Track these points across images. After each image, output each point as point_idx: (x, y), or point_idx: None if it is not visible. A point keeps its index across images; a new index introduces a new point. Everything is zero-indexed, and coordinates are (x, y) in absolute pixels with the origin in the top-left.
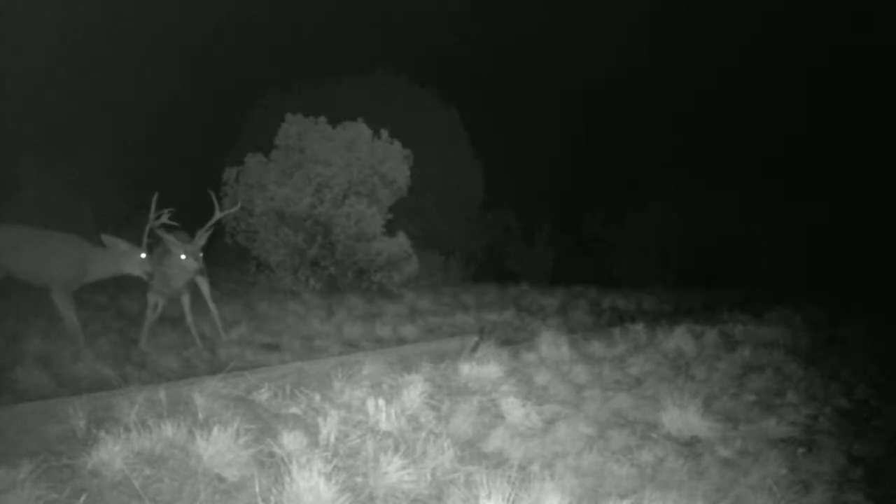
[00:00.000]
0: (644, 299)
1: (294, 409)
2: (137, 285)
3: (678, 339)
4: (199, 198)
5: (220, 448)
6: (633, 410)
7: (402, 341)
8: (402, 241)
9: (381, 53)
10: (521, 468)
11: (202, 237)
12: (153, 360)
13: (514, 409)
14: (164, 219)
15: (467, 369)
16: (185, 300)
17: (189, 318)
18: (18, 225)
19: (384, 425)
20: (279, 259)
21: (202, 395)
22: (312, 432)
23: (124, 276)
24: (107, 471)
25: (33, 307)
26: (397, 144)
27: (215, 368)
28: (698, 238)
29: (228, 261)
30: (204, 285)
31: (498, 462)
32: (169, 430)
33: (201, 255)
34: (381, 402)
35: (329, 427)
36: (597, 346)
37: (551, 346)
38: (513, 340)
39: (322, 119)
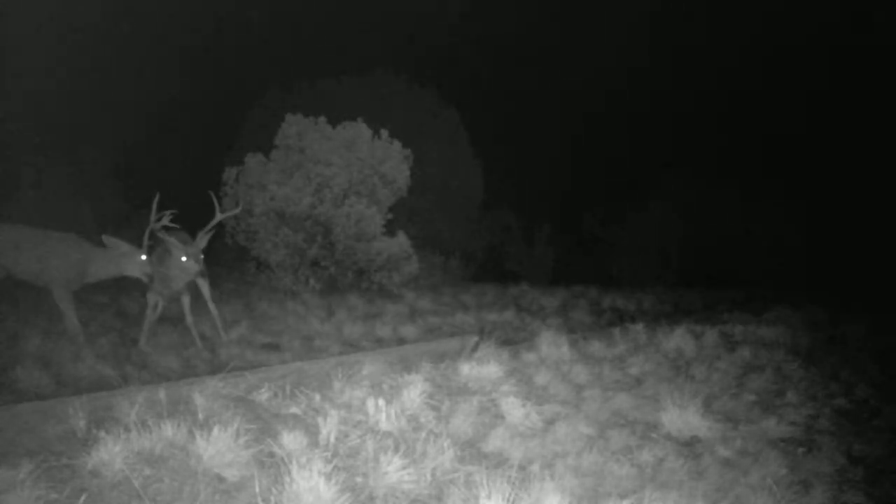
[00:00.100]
0: (644, 299)
1: (294, 409)
2: (137, 285)
3: (678, 339)
4: (200, 198)
5: (220, 448)
6: (633, 410)
7: (402, 341)
8: (402, 241)
9: (381, 53)
10: (521, 468)
11: (203, 239)
12: (153, 360)
13: (514, 409)
14: (166, 221)
15: (467, 369)
16: (185, 300)
17: (189, 318)
18: (18, 225)
19: (384, 425)
20: (279, 259)
21: (202, 395)
22: (312, 432)
23: (124, 276)
24: (107, 471)
25: (33, 307)
26: (397, 144)
27: (215, 368)
28: (698, 238)
29: (228, 261)
30: (204, 286)
31: (498, 462)
32: (169, 430)
33: (202, 256)
34: (381, 402)
35: (329, 427)
36: (597, 346)
37: (551, 346)
38: (513, 340)
39: (322, 119)
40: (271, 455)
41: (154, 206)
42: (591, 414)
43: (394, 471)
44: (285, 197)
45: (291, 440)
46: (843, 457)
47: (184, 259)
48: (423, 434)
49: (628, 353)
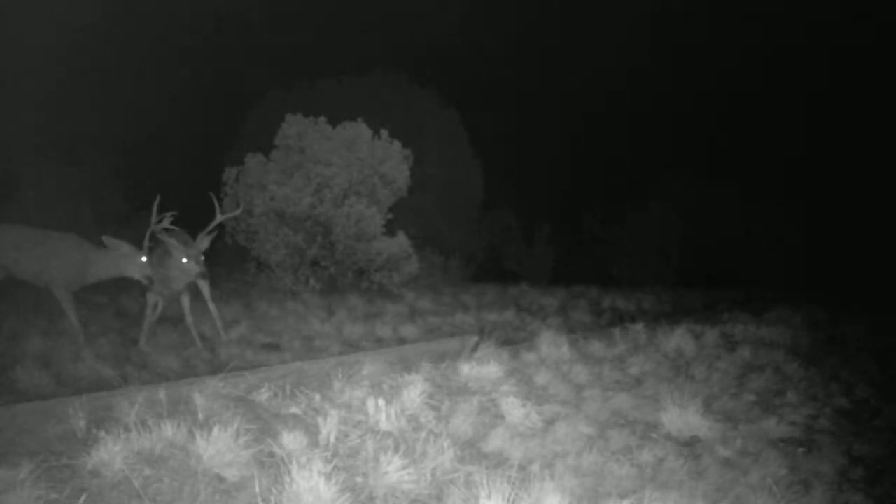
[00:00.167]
0: (644, 299)
1: (294, 409)
2: (137, 285)
3: (678, 339)
4: (200, 198)
5: (220, 448)
6: (633, 410)
7: (402, 341)
8: (402, 241)
9: (381, 53)
10: (521, 468)
11: (204, 241)
12: (153, 360)
13: (514, 409)
14: (166, 223)
15: (467, 369)
16: (185, 300)
17: (189, 318)
18: (18, 225)
19: (384, 425)
20: (279, 259)
21: (202, 395)
22: (312, 432)
23: (124, 278)
24: (107, 471)
25: (33, 307)
26: (397, 144)
27: (215, 368)
28: (698, 238)
29: (228, 261)
30: (204, 286)
31: (498, 462)
32: (169, 430)
33: (203, 258)
34: (381, 402)
35: (329, 427)
36: (597, 346)
37: (551, 346)
38: (513, 340)
39: (322, 119)
40: (271, 455)
41: (154, 208)
42: (591, 414)
43: (394, 471)
44: (285, 197)
45: (291, 440)
46: (843, 457)
47: (184, 261)
48: (423, 434)
49: (628, 353)
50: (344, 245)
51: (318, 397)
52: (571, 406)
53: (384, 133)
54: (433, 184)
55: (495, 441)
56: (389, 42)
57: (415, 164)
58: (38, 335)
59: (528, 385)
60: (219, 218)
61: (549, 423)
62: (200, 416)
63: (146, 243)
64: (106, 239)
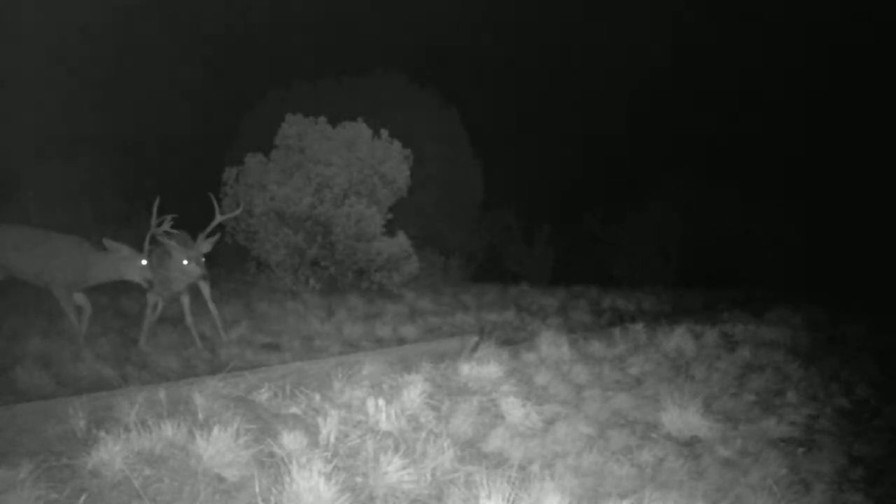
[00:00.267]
0: (644, 299)
1: (294, 409)
2: (137, 286)
3: (678, 339)
4: (200, 198)
5: (220, 448)
6: (633, 410)
7: (402, 341)
8: (402, 241)
9: (381, 53)
10: (521, 468)
11: (205, 242)
12: (153, 360)
13: (514, 409)
14: (167, 226)
15: (467, 369)
16: (185, 300)
17: (189, 318)
18: (19, 225)
19: (384, 425)
20: (279, 259)
21: (202, 395)
22: (312, 432)
23: (124, 280)
24: (107, 471)
25: (33, 307)
26: (397, 144)
27: (215, 368)
28: (698, 238)
29: (228, 261)
30: (204, 286)
31: (498, 462)
32: (169, 430)
33: (203, 259)
34: (381, 402)
35: (329, 427)
36: (597, 346)
37: (551, 346)
38: (513, 340)
39: (322, 119)
40: (271, 455)
41: (154, 210)
42: (591, 414)
43: (394, 471)
44: (285, 197)
45: (291, 440)
46: (843, 457)
47: (185, 262)
48: (423, 434)
49: (628, 353)
50: (344, 245)
51: (318, 397)
52: (571, 406)
53: (384, 133)
54: (433, 184)
55: (495, 441)
56: (389, 42)
57: (415, 164)
58: (38, 335)
59: (528, 385)
60: (218, 218)
61: (549, 423)
62: (200, 416)
63: (146, 246)
64: (106, 241)
